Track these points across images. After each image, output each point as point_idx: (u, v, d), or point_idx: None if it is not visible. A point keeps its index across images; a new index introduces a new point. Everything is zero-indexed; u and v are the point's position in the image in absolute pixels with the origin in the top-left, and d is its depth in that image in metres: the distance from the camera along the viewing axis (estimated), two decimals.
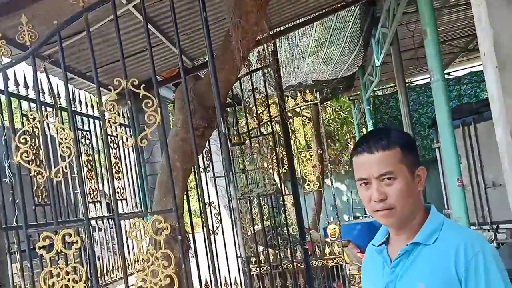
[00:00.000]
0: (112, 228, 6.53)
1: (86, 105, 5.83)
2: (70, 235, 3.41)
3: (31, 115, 3.46)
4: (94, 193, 5.44)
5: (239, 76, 5.54)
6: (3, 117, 4.09)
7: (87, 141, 5.51)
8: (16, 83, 4.49)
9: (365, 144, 1.83)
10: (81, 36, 4.81)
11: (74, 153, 3.45)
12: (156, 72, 5.74)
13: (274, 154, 6.85)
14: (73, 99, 5.39)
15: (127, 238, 6.30)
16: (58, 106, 4.96)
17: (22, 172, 4.14)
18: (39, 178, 3.49)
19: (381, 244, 1.93)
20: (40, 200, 4.50)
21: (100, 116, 5.38)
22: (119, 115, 6.29)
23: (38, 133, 4.40)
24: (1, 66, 3.47)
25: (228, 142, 4.27)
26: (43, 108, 4.51)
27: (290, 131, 6.91)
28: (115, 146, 6.07)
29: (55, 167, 3.42)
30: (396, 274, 1.83)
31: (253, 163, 6.98)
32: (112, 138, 6.05)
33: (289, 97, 8.29)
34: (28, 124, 3.69)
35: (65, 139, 3.45)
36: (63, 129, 3.46)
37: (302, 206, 6.59)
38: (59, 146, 3.77)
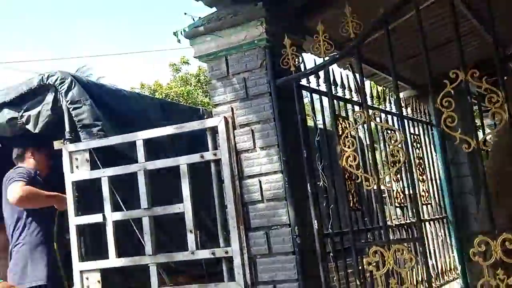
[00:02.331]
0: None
1: (384, 100, 5.36)
2: (402, 251, 3.00)
3: (356, 115, 3.14)
4: (401, 197, 4.99)
5: None
6: (315, 117, 3.84)
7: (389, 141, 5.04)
8: (334, 83, 4.22)
9: None
10: (391, 26, 4.35)
11: (405, 157, 3.03)
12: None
13: None
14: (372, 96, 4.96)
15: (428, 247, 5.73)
16: (367, 105, 4.59)
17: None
18: (366, 184, 3.14)
19: None
20: (352, 206, 4.20)
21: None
22: (419, 112, 5.74)
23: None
24: (323, 63, 3.21)
25: None
26: (352, 108, 4.21)
27: None
28: (418, 145, 5.52)
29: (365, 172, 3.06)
30: None
31: None
32: (415, 136, 5.50)
33: None
34: (349, 126, 3.37)
35: (395, 141, 3.05)
36: (393, 131, 3.07)
37: None
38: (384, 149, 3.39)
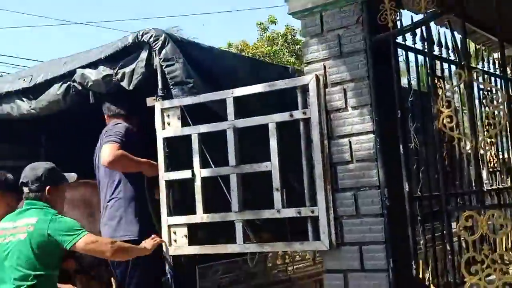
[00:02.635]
0: None
1: (482, 60, 5.08)
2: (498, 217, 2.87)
3: (457, 74, 2.99)
4: (494, 161, 4.76)
5: None
6: (410, 77, 3.68)
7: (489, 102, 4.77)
8: (428, 41, 4.05)
9: None
10: None
11: (507, 119, 2.87)
12: None
13: None
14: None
15: None
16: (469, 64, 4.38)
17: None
18: (463, 146, 3.01)
19: None
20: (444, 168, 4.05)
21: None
22: None
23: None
24: (423, 19, 3.08)
25: None
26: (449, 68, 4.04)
27: None
28: None
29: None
30: None
31: None
32: None
33: None
34: (445, 87, 3.23)
35: (496, 102, 2.90)
36: (495, 91, 2.91)
37: None
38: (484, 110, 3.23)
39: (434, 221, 3.72)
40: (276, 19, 21.66)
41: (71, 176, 4.01)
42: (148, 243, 3.92)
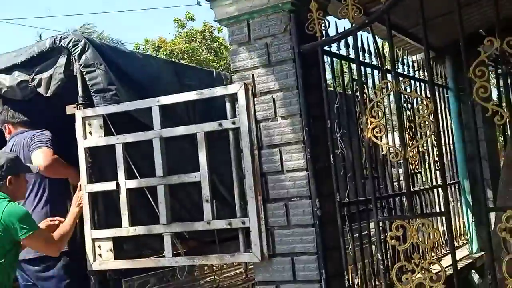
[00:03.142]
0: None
1: (408, 66, 5.20)
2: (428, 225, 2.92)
3: (384, 84, 3.00)
4: (416, 163, 4.88)
5: None
6: (335, 82, 3.70)
7: (409, 106, 4.90)
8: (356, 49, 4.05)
9: None
10: None
11: (434, 129, 2.91)
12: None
13: None
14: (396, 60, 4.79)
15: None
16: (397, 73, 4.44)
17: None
18: (392, 157, 3.03)
19: None
20: (367, 173, 4.11)
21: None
22: (436, 74, 5.63)
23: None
24: (351, 29, 3.07)
25: None
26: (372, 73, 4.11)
27: None
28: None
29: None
30: None
31: None
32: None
33: None
34: (376, 95, 3.24)
35: (424, 111, 2.92)
36: (423, 101, 2.94)
37: None
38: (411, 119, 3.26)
39: (361, 220, 3.79)
40: (194, 15, 21.49)
41: (34, 167, 3.85)
42: (73, 207, 3.90)
